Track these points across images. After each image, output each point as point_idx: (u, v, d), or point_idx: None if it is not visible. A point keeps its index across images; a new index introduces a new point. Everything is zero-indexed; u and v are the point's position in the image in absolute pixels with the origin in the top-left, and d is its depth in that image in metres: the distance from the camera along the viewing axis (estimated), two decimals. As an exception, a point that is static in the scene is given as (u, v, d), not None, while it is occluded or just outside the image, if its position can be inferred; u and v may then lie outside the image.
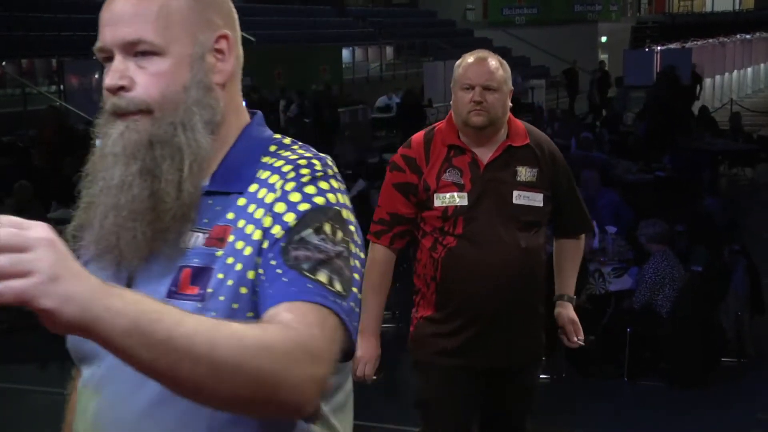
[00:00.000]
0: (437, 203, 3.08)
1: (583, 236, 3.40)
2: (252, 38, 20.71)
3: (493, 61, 3.14)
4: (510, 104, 3.18)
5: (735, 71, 25.56)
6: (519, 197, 3.09)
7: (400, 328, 7.68)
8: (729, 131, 14.90)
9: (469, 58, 3.17)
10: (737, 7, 38.20)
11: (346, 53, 23.12)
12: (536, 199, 3.13)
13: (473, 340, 3.12)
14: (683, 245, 7.07)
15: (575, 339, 3.28)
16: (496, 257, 3.04)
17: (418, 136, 3.20)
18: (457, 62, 3.22)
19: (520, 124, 3.22)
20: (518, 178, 3.11)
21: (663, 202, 9.93)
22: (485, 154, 3.13)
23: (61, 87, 14.32)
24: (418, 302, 3.25)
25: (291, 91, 17.85)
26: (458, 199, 3.07)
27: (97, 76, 14.92)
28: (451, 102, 3.23)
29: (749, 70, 27.57)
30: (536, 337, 3.25)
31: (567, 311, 3.30)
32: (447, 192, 3.09)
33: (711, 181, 11.69)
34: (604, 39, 30.96)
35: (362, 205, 9.54)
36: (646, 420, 5.64)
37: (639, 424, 5.60)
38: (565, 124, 15.42)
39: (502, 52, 25.72)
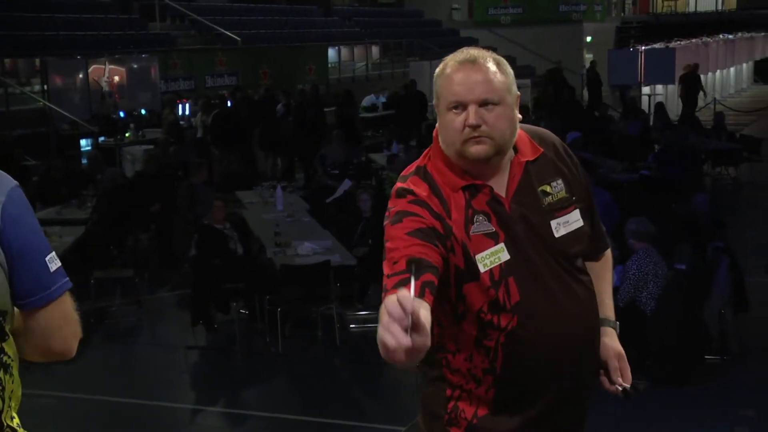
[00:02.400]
0: (482, 268, 2.22)
1: (609, 250, 2.61)
2: (237, 38, 20.66)
3: (488, 63, 2.27)
4: (519, 116, 2.32)
5: (718, 71, 25.67)
6: (558, 227, 2.31)
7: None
8: (713, 130, 14.99)
9: (452, 64, 2.27)
10: (720, 8, 38.40)
11: (332, 53, 23.08)
12: (574, 219, 2.35)
13: (544, 423, 2.36)
14: (668, 243, 7.10)
15: (620, 382, 2.45)
16: (567, 321, 2.29)
17: (417, 182, 2.30)
18: (437, 70, 2.32)
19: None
20: (548, 201, 2.32)
21: (648, 200, 9.98)
22: (500, 185, 2.29)
23: (45, 87, 14.23)
24: (458, 397, 2.35)
25: (277, 90, 17.81)
26: (500, 254, 2.24)
27: (81, 75, 14.86)
28: (437, 125, 2.33)
29: (732, 69, 27.69)
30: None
31: (612, 342, 2.48)
32: (484, 249, 2.23)
33: (695, 179, 11.75)
34: (589, 39, 31.03)
35: (349, 205, 9.56)
36: (630, 418, 5.66)
37: (623, 421, 5.61)
38: (551, 124, 15.45)
39: (488, 52, 25.54)
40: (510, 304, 2.23)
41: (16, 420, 2.06)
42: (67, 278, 2.05)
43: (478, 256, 2.22)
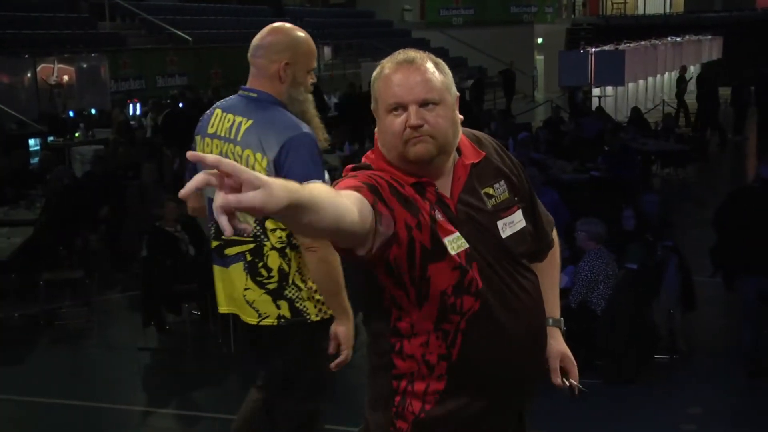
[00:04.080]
0: (451, 249, 2.19)
1: (556, 247, 2.62)
2: (188, 38, 20.51)
3: (427, 63, 2.21)
4: (461, 117, 2.27)
5: (666, 73, 26.03)
6: (504, 228, 2.30)
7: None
8: (662, 132, 15.22)
9: (390, 66, 2.23)
10: (668, 11, 38.96)
11: (284, 53, 22.97)
12: (518, 219, 2.35)
13: (491, 416, 2.35)
14: (619, 243, 7.18)
15: (559, 383, 2.53)
16: (522, 313, 2.31)
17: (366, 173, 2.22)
18: (374, 73, 2.27)
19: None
20: (493, 203, 2.30)
21: (597, 201, 10.09)
22: (445, 187, 2.25)
23: (-8, 86, 14.03)
24: (405, 389, 2.32)
25: (227, 90, 17.72)
26: (462, 242, 2.21)
27: (29, 74, 14.64)
28: (375, 129, 2.28)
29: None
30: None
31: (557, 342, 2.57)
32: (448, 234, 2.19)
33: (644, 180, 11.92)
34: (540, 40, 31.32)
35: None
36: (580, 416, 5.72)
37: (573, 420, 5.67)
38: (503, 125, 15.56)
39: (440, 53, 25.87)
40: (474, 288, 2.21)
41: (309, 283, 3.22)
42: None
43: (446, 239, 2.17)
